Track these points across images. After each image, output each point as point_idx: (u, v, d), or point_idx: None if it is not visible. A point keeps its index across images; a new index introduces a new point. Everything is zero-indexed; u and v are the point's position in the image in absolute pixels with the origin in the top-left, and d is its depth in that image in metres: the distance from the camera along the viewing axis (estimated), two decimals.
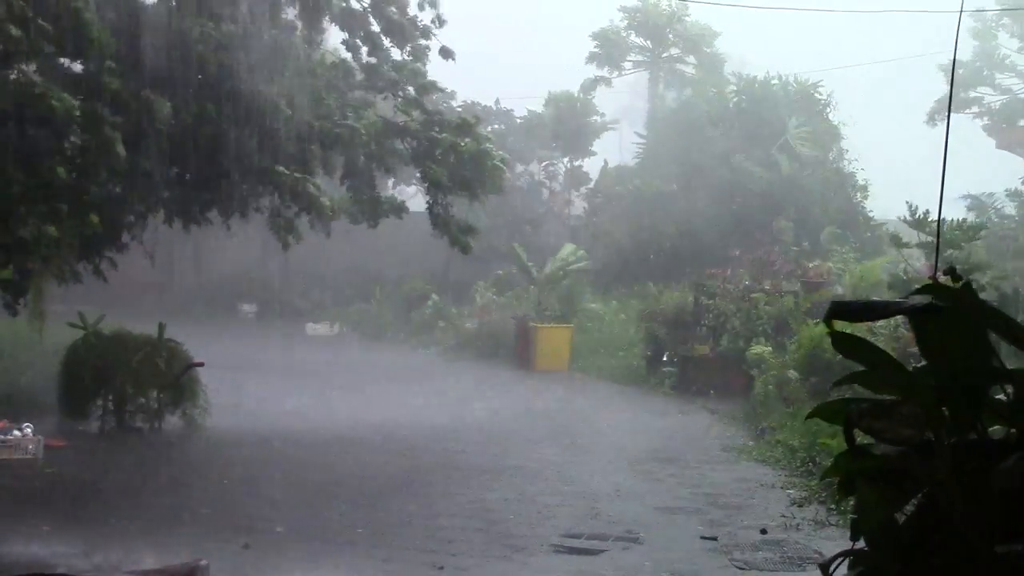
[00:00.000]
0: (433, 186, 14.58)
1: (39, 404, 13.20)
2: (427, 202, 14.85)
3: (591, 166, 31.97)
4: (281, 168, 12.67)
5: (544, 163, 32.18)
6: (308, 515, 9.39)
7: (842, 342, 2.93)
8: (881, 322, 13.55)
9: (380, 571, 7.80)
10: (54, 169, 10.47)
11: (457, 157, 14.39)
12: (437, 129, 14.62)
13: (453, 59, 14.74)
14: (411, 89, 14.90)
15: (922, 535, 2.66)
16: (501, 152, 15.49)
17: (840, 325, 2.94)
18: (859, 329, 13.03)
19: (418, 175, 15.53)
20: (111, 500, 9.68)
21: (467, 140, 14.45)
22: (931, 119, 31.18)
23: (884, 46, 39.18)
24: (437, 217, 14.73)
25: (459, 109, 28.67)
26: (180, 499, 9.92)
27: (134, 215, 13.35)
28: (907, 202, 16.07)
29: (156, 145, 11.64)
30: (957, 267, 3.30)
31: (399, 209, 15.08)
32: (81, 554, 7.66)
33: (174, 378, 13.06)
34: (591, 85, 31.93)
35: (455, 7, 15.80)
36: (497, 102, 32.29)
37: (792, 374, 14.74)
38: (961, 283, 2.72)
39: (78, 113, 10.43)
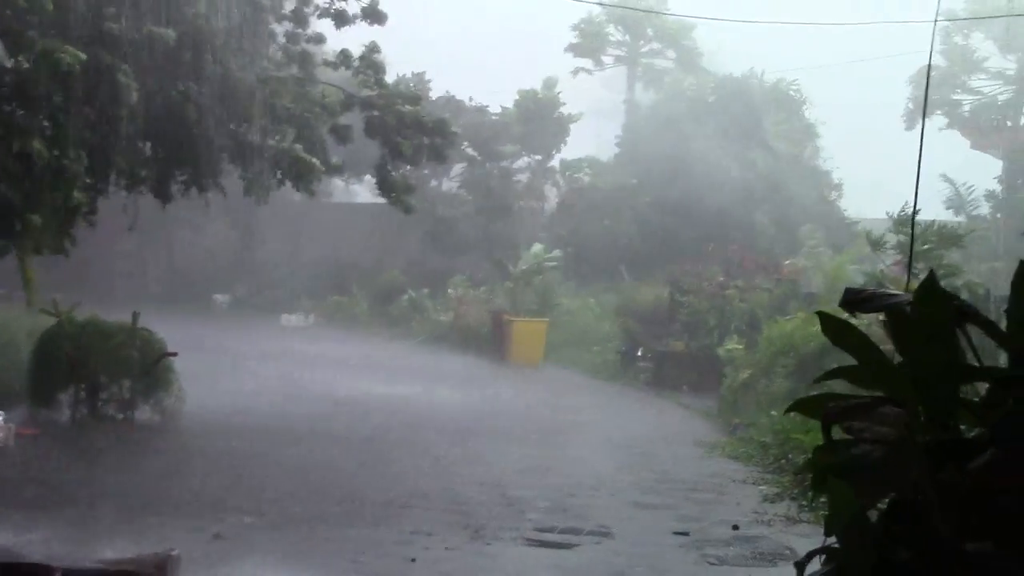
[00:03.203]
0: (396, 157, 16.17)
1: (10, 392, 13.06)
2: (380, 169, 16.45)
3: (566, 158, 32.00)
4: (272, 141, 14.02)
5: (516, 159, 32.18)
6: (279, 505, 9.36)
7: (832, 328, 2.83)
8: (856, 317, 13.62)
9: (352, 562, 7.78)
10: (31, 144, 10.48)
11: (422, 127, 16.03)
12: (400, 101, 16.05)
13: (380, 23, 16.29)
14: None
15: (894, 531, 2.68)
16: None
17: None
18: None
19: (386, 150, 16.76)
20: (82, 489, 9.60)
21: (424, 112, 16.26)
22: (909, 124, 31.35)
23: (858, 47, 39.48)
24: (384, 181, 16.25)
25: (436, 100, 28.76)
26: (151, 489, 9.87)
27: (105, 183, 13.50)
28: (904, 202, 16.18)
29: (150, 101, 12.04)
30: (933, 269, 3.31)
31: (336, 169, 17.10)
32: (52, 543, 7.61)
33: (147, 367, 12.97)
34: (553, 83, 32.01)
35: (436, 4, 16.46)
36: (471, 99, 32.30)
37: (753, 373, 14.80)
38: (926, 279, 2.71)
39: (84, 58, 10.64)
